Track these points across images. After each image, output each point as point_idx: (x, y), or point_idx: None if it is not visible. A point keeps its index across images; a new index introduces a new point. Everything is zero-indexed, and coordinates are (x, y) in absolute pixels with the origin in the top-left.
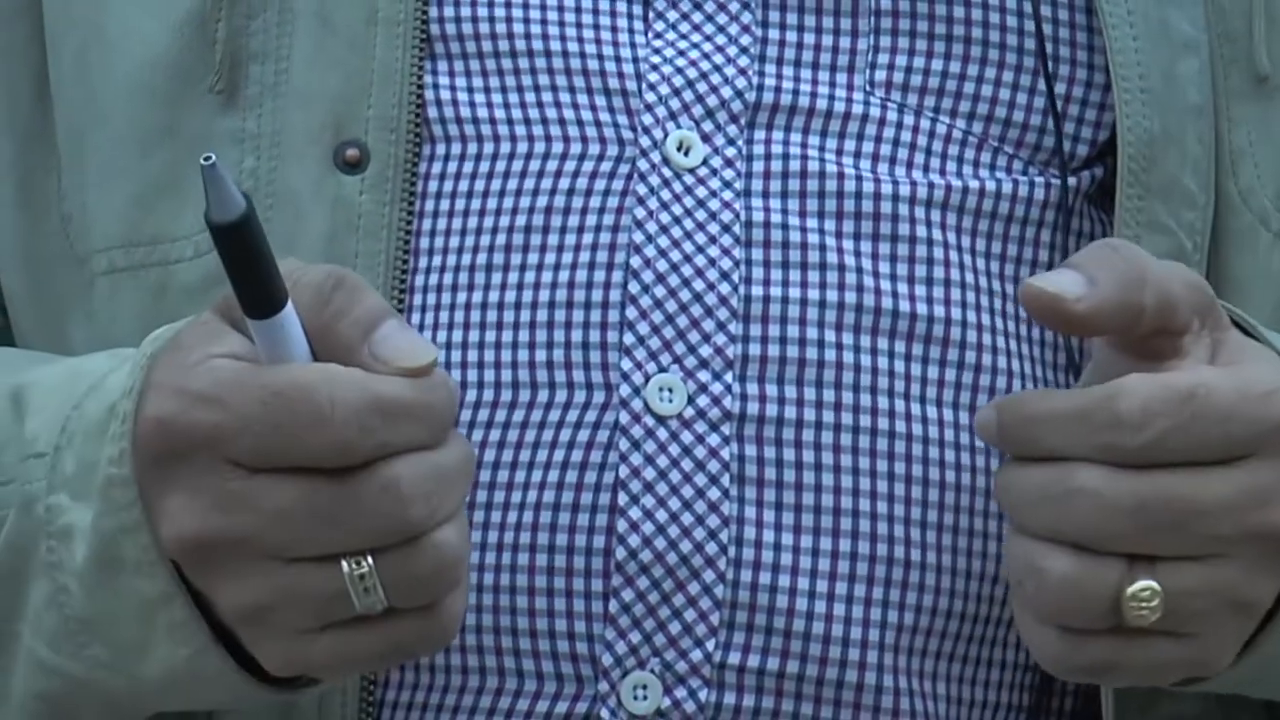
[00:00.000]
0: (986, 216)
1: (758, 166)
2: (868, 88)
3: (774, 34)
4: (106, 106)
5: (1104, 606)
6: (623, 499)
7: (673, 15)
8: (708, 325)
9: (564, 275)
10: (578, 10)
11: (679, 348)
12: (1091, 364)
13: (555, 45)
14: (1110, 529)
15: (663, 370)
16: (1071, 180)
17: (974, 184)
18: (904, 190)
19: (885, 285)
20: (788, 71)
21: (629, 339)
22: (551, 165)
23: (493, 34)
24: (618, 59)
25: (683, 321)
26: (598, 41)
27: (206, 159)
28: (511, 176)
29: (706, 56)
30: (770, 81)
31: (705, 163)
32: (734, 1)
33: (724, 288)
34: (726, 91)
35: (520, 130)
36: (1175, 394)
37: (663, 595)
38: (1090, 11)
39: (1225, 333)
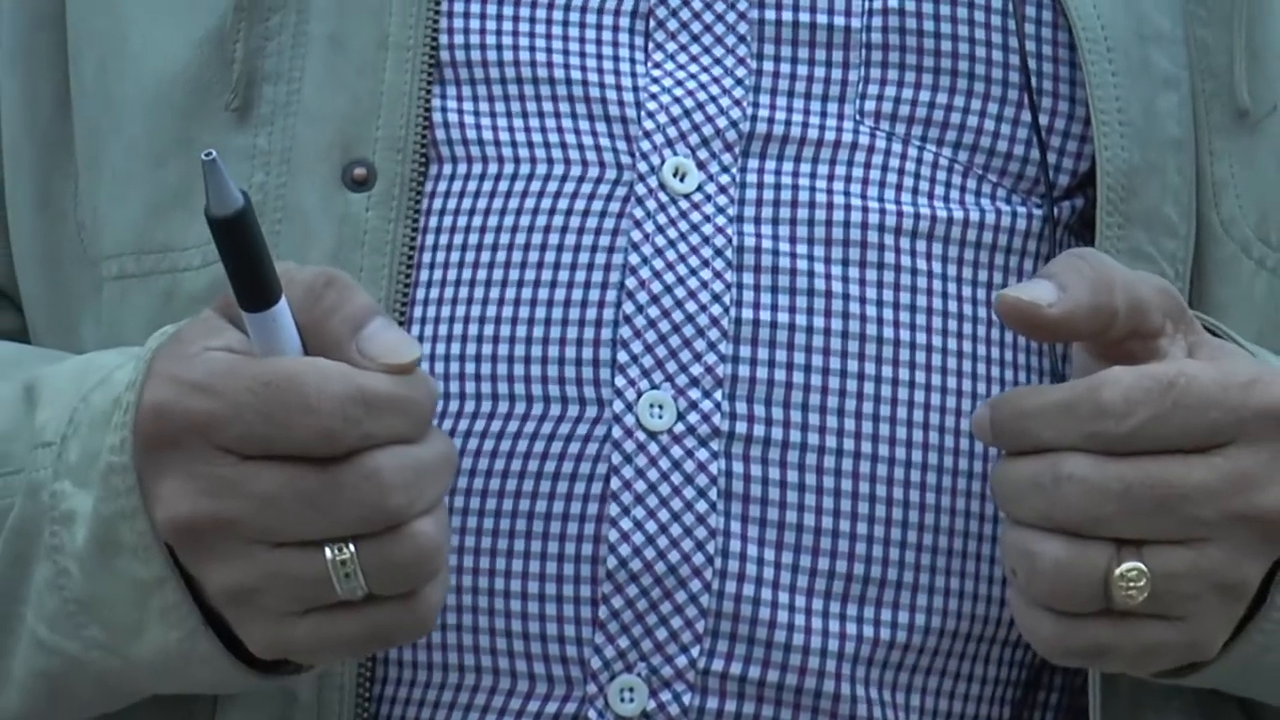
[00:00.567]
0: (971, 245)
1: (750, 194)
2: (858, 117)
3: (768, 65)
4: (124, 117)
5: (1094, 589)
6: (613, 510)
7: (672, 46)
8: (699, 345)
9: (560, 293)
10: (581, 40)
11: (670, 366)
12: (1072, 376)
13: (559, 73)
14: (1098, 513)
15: (654, 387)
16: (1047, 210)
17: (959, 213)
18: (890, 219)
19: (870, 311)
20: (781, 102)
21: (623, 356)
22: (552, 187)
23: (499, 60)
24: (619, 87)
25: (675, 341)
26: (600, 70)
27: (207, 155)
28: (513, 196)
29: (703, 87)
30: (764, 112)
31: (700, 189)
32: (730, 34)
33: (715, 309)
34: (722, 121)
35: (523, 153)
36: (1157, 383)
37: (650, 603)
38: (1073, 47)
39: (1199, 335)
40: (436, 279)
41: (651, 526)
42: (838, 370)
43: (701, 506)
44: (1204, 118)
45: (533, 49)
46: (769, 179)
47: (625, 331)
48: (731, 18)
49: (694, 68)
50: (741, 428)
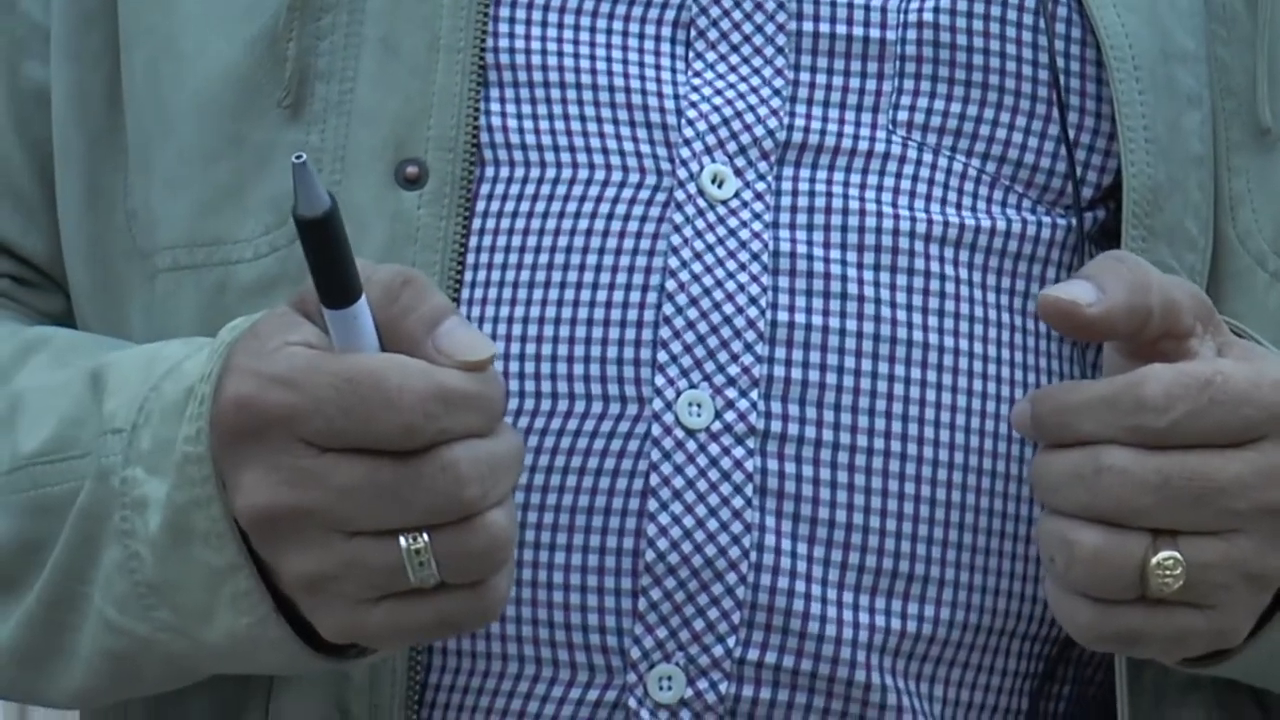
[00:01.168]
0: (997, 253)
1: (785, 200)
2: (890, 127)
3: (805, 76)
4: (175, 118)
5: (1130, 577)
6: (652, 505)
7: (711, 56)
8: (736, 346)
9: (602, 295)
10: (624, 49)
11: (709, 366)
12: (1105, 377)
13: (603, 80)
14: (1136, 504)
15: (693, 387)
16: (1076, 221)
17: (986, 222)
18: (920, 227)
19: (901, 315)
20: (816, 112)
21: (662, 356)
22: (594, 191)
23: (544, 65)
24: (660, 95)
25: (713, 342)
26: (642, 78)
27: (298, 157)
28: (555, 200)
29: (742, 96)
30: (800, 121)
31: (737, 195)
32: (769, 46)
33: (752, 312)
34: (759, 130)
35: (565, 157)
36: (1195, 380)
37: (688, 595)
38: (1100, 64)
39: (1227, 336)
40: (482, 279)
41: (689, 521)
42: (869, 372)
43: (738, 502)
44: (1223, 135)
45: (577, 56)
46: (804, 186)
47: (665, 332)
48: (770, 29)
49: (733, 77)
50: (776, 426)
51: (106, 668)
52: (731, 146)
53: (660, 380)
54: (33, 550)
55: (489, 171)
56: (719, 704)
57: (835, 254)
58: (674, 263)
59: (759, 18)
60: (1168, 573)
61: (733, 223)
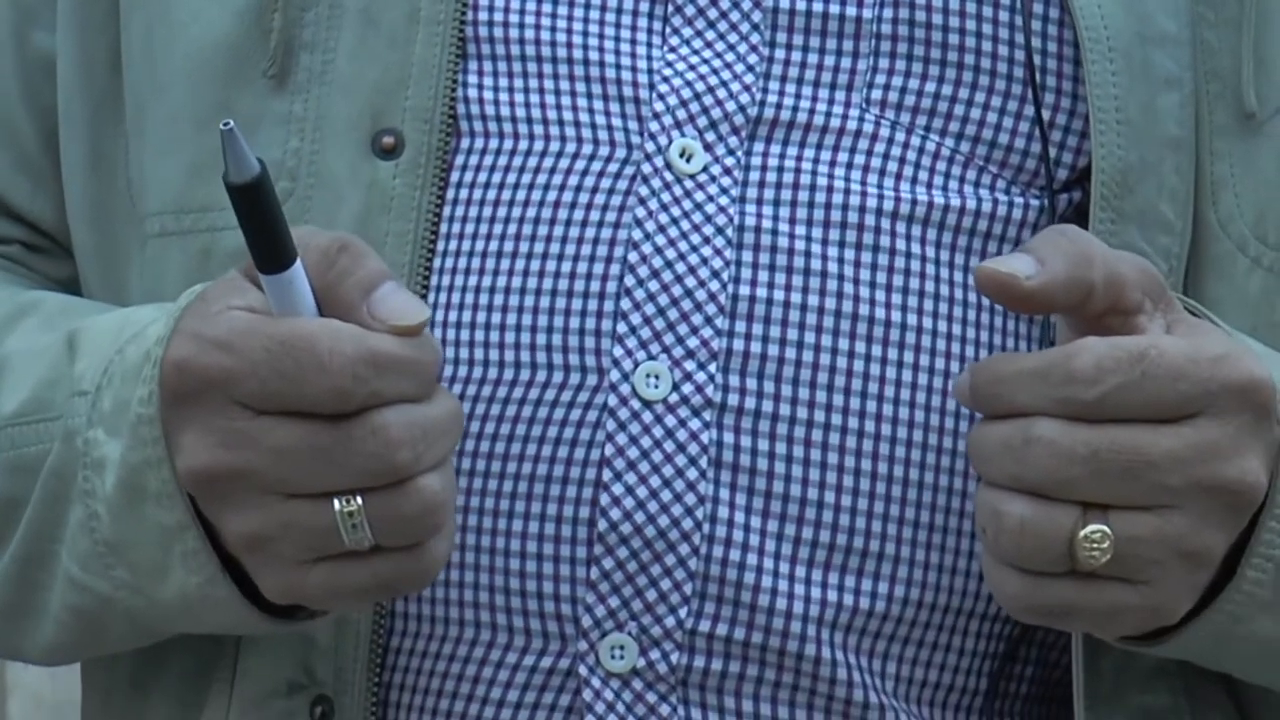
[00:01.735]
0: (967, 233)
1: (754, 176)
2: (864, 105)
3: (780, 53)
4: (167, 82)
5: (1058, 549)
6: (607, 475)
7: (687, 31)
8: (696, 319)
9: (566, 266)
10: (601, 22)
11: (668, 338)
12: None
13: (578, 53)
14: (1063, 476)
15: (651, 358)
16: (1049, 202)
17: (956, 201)
18: (889, 205)
19: (864, 292)
20: (790, 89)
21: (622, 328)
22: (564, 164)
23: (521, 39)
24: (634, 69)
25: (673, 314)
26: (617, 53)
27: (225, 124)
28: (527, 171)
29: (715, 71)
30: (773, 98)
31: (705, 170)
32: (745, 22)
33: (713, 285)
34: (730, 105)
35: (539, 129)
36: (1128, 353)
37: (640, 565)
38: (1077, 45)
39: (1178, 314)
40: (452, 249)
41: (643, 492)
42: (829, 348)
43: (692, 474)
44: (1206, 118)
45: (554, 29)
46: (773, 162)
47: (625, 304)
48: (746, 5)
49: (707, 53)
50: (734, 400)
51: (73, 624)
52: (702, 121)
53: (619, 351)
54: (11, 510)
55: (464, 143)
56: (670, 674)
57: (801, 230)
58: (637, 235)
59: None
60: (1095, 545)
61: (699, 196)
